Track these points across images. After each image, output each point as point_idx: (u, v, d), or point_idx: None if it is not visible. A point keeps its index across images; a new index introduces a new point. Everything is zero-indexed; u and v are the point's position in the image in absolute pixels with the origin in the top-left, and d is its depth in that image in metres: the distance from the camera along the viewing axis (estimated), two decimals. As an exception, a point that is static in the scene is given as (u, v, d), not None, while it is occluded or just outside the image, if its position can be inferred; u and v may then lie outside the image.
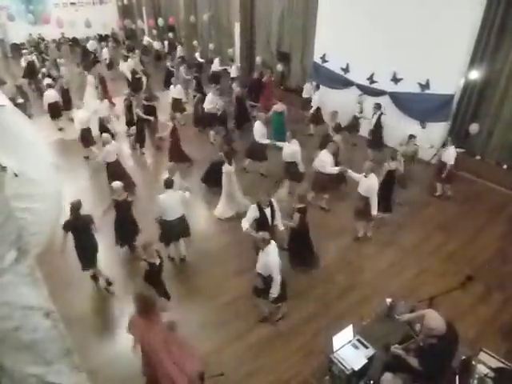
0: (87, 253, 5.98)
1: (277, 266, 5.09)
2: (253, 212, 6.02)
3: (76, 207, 5.63)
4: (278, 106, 10.58)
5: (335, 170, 7.52)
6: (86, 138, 9.87)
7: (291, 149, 8.20)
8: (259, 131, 9.03)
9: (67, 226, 5.59)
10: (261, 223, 6.02)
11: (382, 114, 9.70)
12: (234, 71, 14.52)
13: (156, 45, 18.93)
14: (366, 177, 6.81)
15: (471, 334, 5.41)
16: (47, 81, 12.51)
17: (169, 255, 6.73)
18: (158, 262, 5.13)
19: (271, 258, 5.04)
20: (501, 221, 8.08)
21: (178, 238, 6.66)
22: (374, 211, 6.80)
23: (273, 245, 5.12)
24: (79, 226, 5.71)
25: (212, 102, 10.69)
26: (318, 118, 11.29)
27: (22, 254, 1.84)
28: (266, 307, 5.64)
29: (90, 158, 10.09)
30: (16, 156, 2.31)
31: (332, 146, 7.65)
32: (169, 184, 6.24)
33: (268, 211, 6.05)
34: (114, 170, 8.31)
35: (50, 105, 11.55)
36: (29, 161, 2.42)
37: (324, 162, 7.61)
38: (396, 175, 7.64)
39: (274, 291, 5.16)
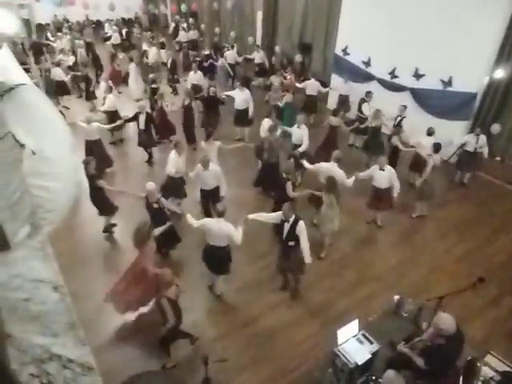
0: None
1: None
2: (275, 217, 5.58)
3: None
4: (288, 97, 10.59)
5: (351, 182, 6.90)
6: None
7: (300, 132, 8.25)
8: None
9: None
10: (277, 232, 5.89)
11: (404, 117, 9.40)
12: (258, 58, 14.29)
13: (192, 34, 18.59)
14: (383, 170, 6.96)
15: (479, 336, 5.36)
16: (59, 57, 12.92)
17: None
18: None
19: None
20: (517, 224, 7.92)
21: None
22: (396, 194, 7.10)
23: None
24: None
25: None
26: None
27: (34, 229, 1.90)
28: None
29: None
30: (35, 135, 2.37)
31: (336, 154, 7.11)
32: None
33: (287, 227, 5.40)
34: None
35: (57, 82, 11.91)
36: (47, 140, 2.48)
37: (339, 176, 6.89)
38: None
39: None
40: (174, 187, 7.28)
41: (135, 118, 9.18)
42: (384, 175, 7.02)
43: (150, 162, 9.66)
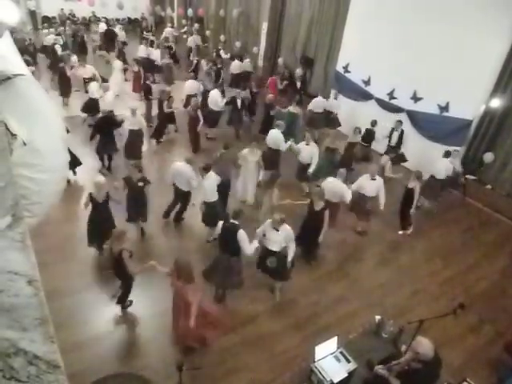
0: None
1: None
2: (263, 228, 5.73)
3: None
4: (295, 109, 10.75)
5: (350, 196, 7.02)
6: None
7: (309, 151, 8.32)
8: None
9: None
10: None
11: (402, 131, 9.59)
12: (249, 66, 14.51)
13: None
14: (374, 179, 7.15)
15: (457, 363, 5.36)
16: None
17: None
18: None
19: None
20: (503, 254, 7.98)
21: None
22: (382, 205, 7.30)
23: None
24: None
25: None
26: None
27: (16, 220, 1.87)
28: None
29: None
30: (27, 125, 2.35)
31: (341, 173, 7.29)
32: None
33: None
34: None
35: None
36: (39, 132, 2.46)
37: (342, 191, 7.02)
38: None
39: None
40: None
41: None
42: (374, 184, 7.21)
43: None
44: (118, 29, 17.74)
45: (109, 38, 17.02)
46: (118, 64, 12.79)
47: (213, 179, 6.59)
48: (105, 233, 5.87)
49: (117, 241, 5.00)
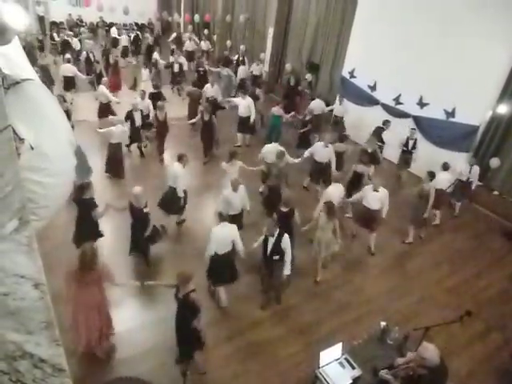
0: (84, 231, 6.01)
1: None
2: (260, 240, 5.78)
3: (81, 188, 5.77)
4: (276, 109, 10.81)
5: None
6: None
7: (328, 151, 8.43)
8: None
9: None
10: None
11: (415, 139, 9.55)
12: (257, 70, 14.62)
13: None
14: (377, 191, 6.94)
15: (464, 371, 5.31)
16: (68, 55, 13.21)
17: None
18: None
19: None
20: (511, 260, 7.90)
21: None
22: (384, 214, 7.12)
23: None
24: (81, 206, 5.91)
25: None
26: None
27: (22, 224, 1.89)
28: None
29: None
30: (35, 130, 2.38)
31: (335, 177, 7.49)
32: None
33: (271, 241, 5.50)
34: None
35: (65, 78, 12.29)
36: (46, 136, 2.49)
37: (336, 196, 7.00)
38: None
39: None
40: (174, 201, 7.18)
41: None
42: (377, 196, 6.99)
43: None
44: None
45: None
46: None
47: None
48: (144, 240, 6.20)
49: (184, 284, 4.35)
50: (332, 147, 8.34)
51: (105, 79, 11.51)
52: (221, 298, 5.88)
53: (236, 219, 6.37)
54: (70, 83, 12.43)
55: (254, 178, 8.40)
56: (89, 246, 4.55)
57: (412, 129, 9.68)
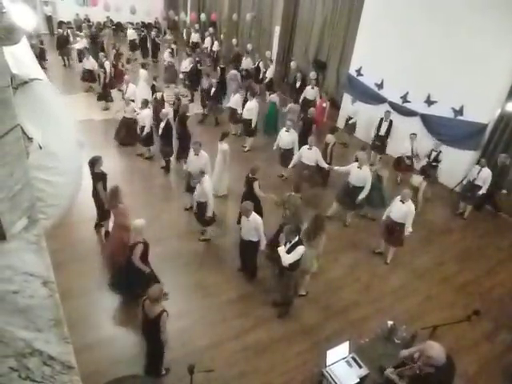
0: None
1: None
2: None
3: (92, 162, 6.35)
4: (273, 97, 11.46)
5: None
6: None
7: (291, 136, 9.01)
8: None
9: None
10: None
11: (440, 152, 9.17)
12: (270, 72, 14.34)
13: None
14: (403, 202, 6.58)
15: (471, 371, 5.28)
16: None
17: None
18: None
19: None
20: (519, 259, 7.83)
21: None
22: (408, 230, 6.66)
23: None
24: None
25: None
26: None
27: (31, 222, 1.91)
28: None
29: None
30: (43, 129, 2.40)
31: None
32: None
33: (287, 246, 5.37)
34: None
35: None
36: (54, 135, 2.51)
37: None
38: None
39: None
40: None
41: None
42: (404, 209, 6.58)
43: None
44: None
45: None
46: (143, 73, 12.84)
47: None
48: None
49: (155, 301, 4.24)
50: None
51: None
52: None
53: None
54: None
55: (243, 161, 8.85)
56: (115, 186, 5.78)
57: (437, 141, 9.32)
